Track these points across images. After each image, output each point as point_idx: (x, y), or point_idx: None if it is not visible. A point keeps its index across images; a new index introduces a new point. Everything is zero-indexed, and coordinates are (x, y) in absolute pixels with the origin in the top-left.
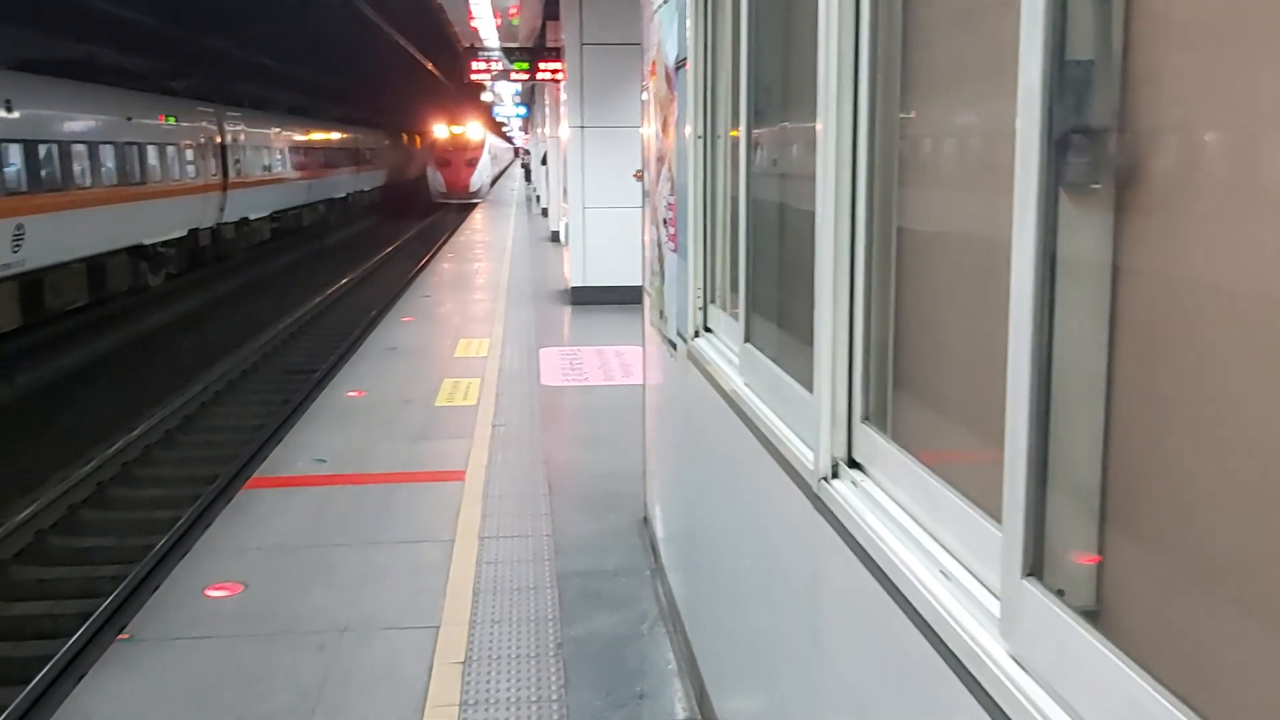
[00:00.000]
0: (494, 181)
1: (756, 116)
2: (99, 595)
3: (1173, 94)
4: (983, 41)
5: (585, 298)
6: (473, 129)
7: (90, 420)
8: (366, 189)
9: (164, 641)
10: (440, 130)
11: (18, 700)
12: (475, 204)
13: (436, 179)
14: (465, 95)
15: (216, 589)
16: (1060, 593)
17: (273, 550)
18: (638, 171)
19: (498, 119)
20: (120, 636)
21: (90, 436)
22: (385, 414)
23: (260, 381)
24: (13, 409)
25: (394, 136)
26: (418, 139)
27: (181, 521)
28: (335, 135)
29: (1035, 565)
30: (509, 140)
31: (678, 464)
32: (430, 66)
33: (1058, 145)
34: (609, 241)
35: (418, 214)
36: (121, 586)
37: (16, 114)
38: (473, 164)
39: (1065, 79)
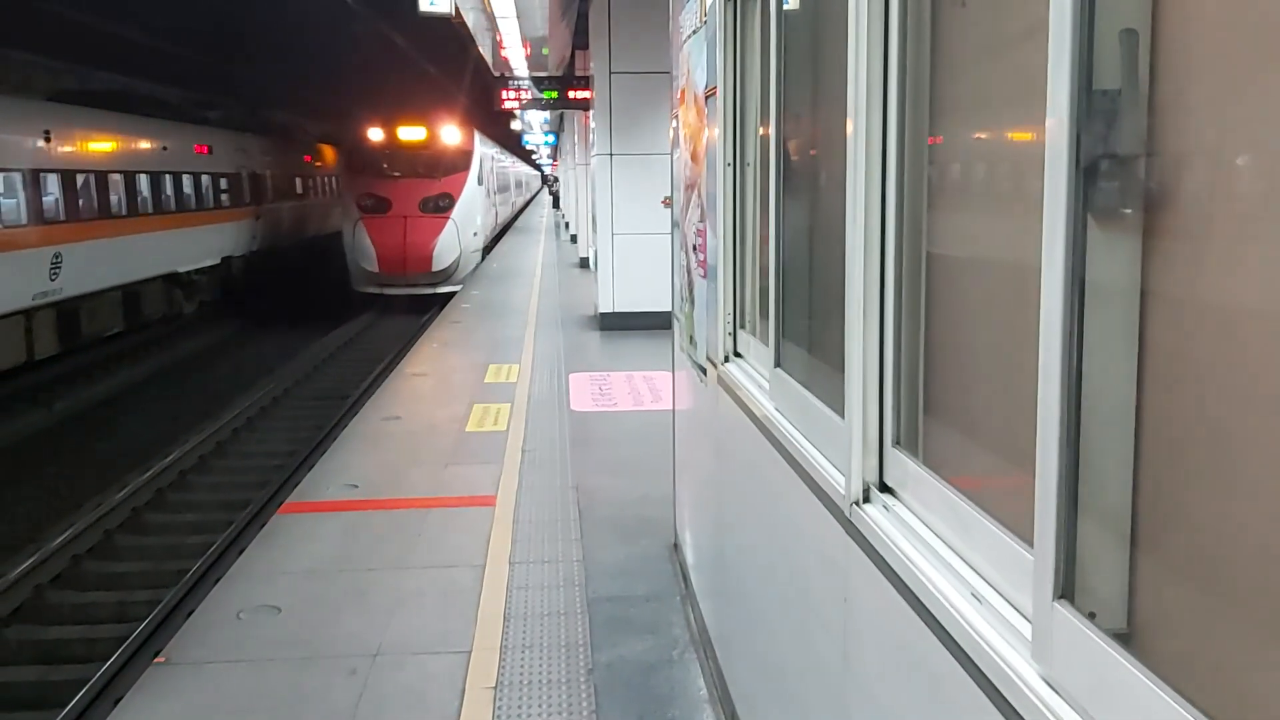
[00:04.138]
0: (506, 229)
1: (786, 143)
2: (135, 619)
3: (1198, 121)
4: (1011, 69)
5: (614, 323)
6: (448, 132)
7: (125, 446)
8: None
9: (199, 665)
10: (373, 133)
11: None
12: (453, 293)
13: (361, 241)
14: (495, 121)
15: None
16: (1092, 615)
17: (306, 575)
18: (666, 198)
19: (527, 146)
20: (156, 660)
21: (126, 462)
22: (416, 439)
23: (293, 407)
24: (49, 435)
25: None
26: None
27: (216, 546)
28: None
29: (1067, 588)
30: (536, 166)
31: (708, 489)
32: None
33: (1086, 172)
34: (637, 267)
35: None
36: (157, 610)
37: (55, 144)
38: (442, 209)
39: (1093, 108)
